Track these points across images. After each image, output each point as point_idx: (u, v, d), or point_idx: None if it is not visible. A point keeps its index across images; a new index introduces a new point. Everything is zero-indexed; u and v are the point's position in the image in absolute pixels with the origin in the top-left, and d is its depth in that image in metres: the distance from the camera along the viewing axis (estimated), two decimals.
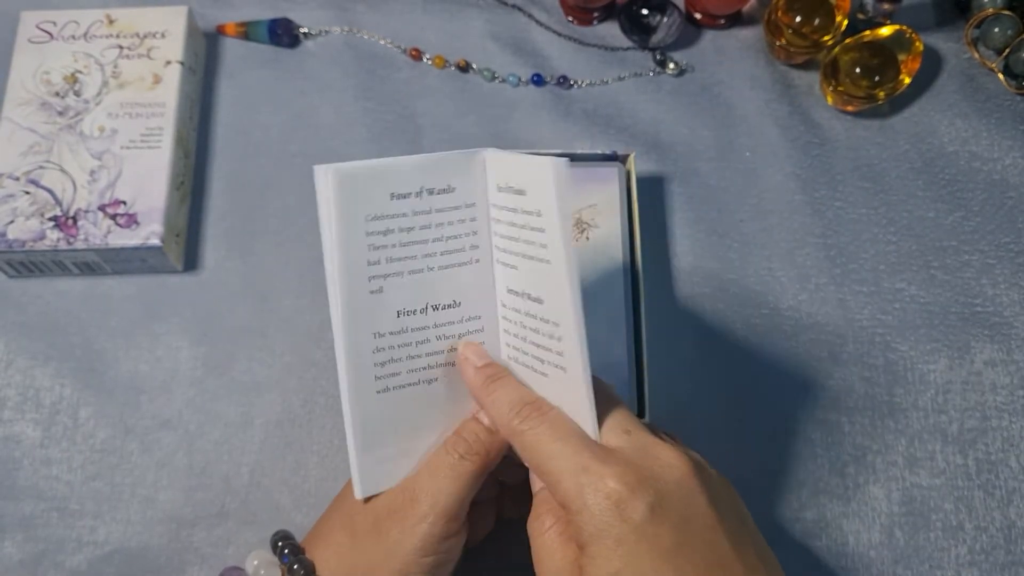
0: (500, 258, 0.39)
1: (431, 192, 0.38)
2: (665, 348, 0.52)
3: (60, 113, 0.55)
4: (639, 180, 0.56)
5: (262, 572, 0.40)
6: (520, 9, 0.64)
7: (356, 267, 0.36)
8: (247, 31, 0.61)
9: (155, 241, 0.51)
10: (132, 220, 0.52)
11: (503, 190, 0.38)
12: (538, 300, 0.37)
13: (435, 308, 0.39)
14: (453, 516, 0.37)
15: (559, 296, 0.35)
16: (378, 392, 0.38)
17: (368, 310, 0.37)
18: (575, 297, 0.35)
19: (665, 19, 0.60)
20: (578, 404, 0.36)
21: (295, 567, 0.38)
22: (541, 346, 0.37)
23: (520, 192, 0.36)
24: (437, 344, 0.39)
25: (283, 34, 0.61)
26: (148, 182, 0.53)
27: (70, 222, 0.52)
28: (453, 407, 0.40)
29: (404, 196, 0.37)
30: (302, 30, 0.62)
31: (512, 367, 0.40)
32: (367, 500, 0.39)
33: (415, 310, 0.38)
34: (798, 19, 0.59)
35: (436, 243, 0.38)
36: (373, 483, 0.38)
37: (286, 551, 0.40)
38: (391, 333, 0.38)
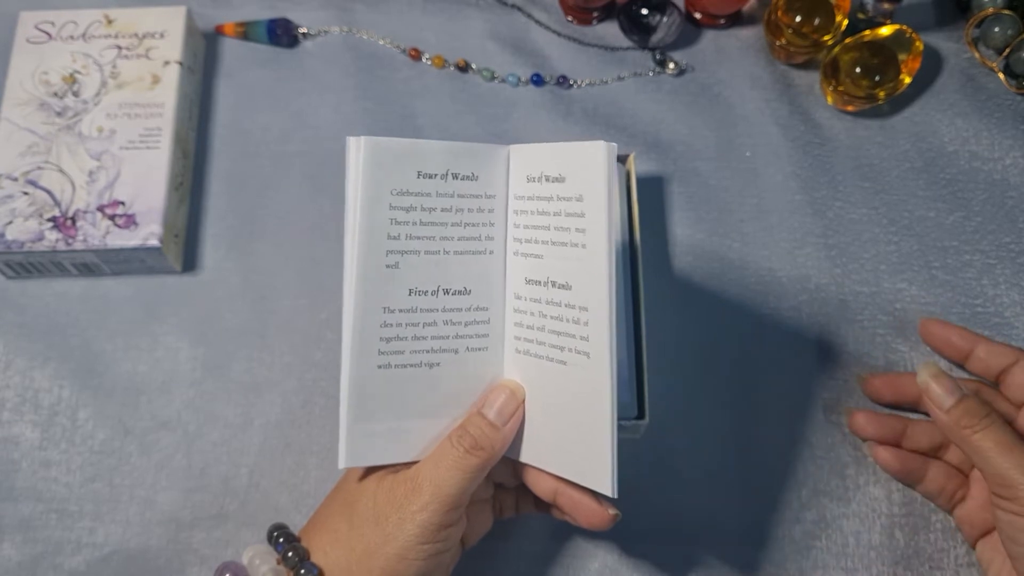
0: (520, 249, 0.40)
1: (456, 176, 0.39)
2: (665, 348, 0.52)
3: (59, 113, 0.55)
4: (639, 180, 0.56)
5: (257, 562, 0.40)
6: (519, 9, 0.63)
7: (376, 239, 0.37)
8: (246, 31, 0.61)
9: (154, 242, 0.51)
10: (131, 221, 0.52)
11: (534, 180, 0.39)
12: (565, 286, 0.38)
13: (446, 292, 0.39)
14: (453, 507, 0.38)
15: (593, 279, 0.37)
16: (379, 366, 0.38)
17: (382, 283, 0.38)
18: (611, 279, 0.36)
19: (665, 19, 0.60)
20: (599, 389, 0.36)
21: (290, 554, 0.39)
22: (563, 333, 0.38)
23: (558, 179, 0.38)
24: (443, 329, 0.39)
25: (282, 34, 0.61)
26: (147, 182, 0.53)
27: (69, 223, 0.52)
28: (452, 395, 0.40)
29: (430, 176, 0.38)
30: (301, 30, 0.62)
31: (521, 361, 0.40)
32: (361, 480, 0.39)
33: (427, 291, 0.39)
34: (798, 19, 0.59)
35: (454, 227, 0.39)
36: (358, 455, 0.38)
37: (281, 540, 0.40)
38: (401, 310, 0.38)
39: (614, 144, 0.36)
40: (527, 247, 0.40)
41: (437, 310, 0.39)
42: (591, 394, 0.37)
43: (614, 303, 0.36)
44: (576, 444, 0.38)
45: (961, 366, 0.49)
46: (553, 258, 0.38)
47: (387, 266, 0.38)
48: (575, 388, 0.38)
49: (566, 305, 0.38)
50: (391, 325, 0.38)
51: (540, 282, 0.39)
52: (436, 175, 0.38)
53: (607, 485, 0.37)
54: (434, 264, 0.39)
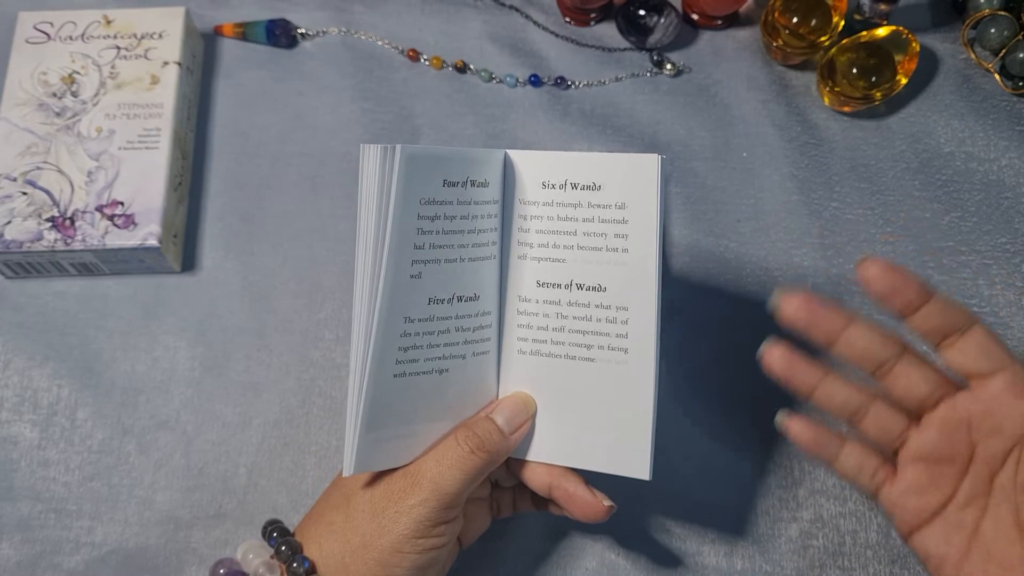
0: (530, 253, 0.41)
1: (473, 184, 0.39)
2: (661, 348, 0.52)
3: (58, 114, 0.55)
4: None
5: (251, 556, 0.40)
6: (517, 10, 0.64)
7: (403, 249, 0.37)
8: (245, 32, 0.61)
9: (153, 242, 0.51)
10: (130, 221, 0.52)
11: (555, 187, 0.40)
12: (597, 288, 0.39)
13: (459, 299, 0.40)
14: (451, 505, 0.38)
15: (638, 281, 0.38)
16: (395, 376, 0.38)
17: (405, 294, 0.38)
18: (658, 282, 0.38)
19: (662, 20, 0.60)
20: (640, 382, 0.39)
21: (282, 548, 0.39)
22: (592, 332, 0.39)
23: (591, 187, 0.39)
24: (455, 335, 0.40)
25: (281, 35, 0.61)
26: (146, 183, 0.53)
27: (68, 223, 0.52)
28: (456, 399, 0.40)
29: (454, 184, 0.38)
30: (300, 31, 0.62)
31: (526, 361, 0.41)
32: (366, 486, 0.39)
33: (444, 299, 0.39)
34: (795, 20, 0.59)
35: (469, 235, 0.39)
36: (365, 463, 0.38)
37: (274, 534, 0.40)
38: (420, 320, 0.38)
39: (664, 156, 0.38)
40: (540, 251, 0.40)
41: (451, 317, 0.39)
42: (630, 387, 0.39)
43: (659, 303, 0.38)
44: (607, 435, 0.39)
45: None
46: (580, 262, 0.39)
47: (411, 276, 0.38)
48: (607, 383, 0.39)
49: (597, 306, 0.39)
50: (409, 335, 0.38)
51: (560, 284, 0.40)
52: (458, 183, 0.38)
53: (645, 471, 0.39)
54: (451, 272, 0.39)
